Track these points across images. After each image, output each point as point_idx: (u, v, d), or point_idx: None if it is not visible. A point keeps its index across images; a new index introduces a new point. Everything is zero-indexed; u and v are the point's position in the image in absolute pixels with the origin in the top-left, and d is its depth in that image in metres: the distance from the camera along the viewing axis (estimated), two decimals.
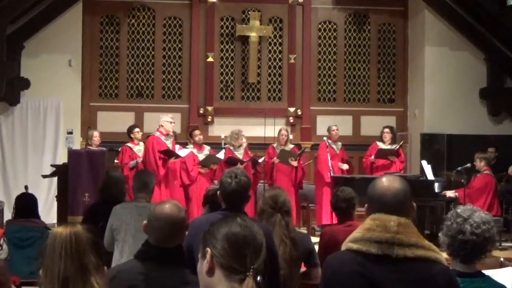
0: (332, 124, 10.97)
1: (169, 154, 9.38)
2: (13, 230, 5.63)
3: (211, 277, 1.86)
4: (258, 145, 11.08)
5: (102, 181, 5.83)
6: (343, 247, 2.47)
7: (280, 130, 10.67)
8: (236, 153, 10.36)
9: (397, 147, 10.80)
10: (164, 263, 2.84)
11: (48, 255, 2.45)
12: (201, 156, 10.14)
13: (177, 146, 10.05)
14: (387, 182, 2.51)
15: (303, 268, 4.50)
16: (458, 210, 2.86)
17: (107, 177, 5.80)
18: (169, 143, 9.58)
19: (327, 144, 10.49)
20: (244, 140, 10.59)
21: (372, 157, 10.61)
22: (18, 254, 5.49)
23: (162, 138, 9.50)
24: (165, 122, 9.57)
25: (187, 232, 3.28)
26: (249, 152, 10.55)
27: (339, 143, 10.80)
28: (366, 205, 2.54)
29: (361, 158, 11.48)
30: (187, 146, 10.34)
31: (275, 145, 10.64)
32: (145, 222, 3.00)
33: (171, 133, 9.83)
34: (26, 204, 5.85)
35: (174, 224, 2.91)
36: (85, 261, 2.41)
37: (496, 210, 9.27)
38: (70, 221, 7.32)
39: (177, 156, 9.54)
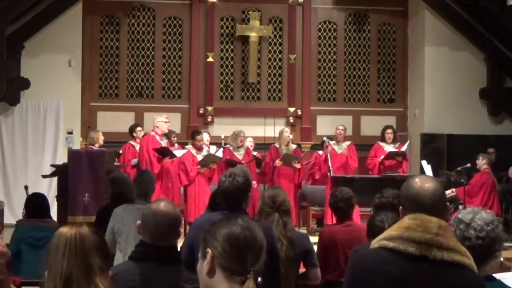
0: (339, 124, 10.91)
1: (164, 152, 9.37)
2: (25, 230, 5.57)
3: (212, 278, 1.86)
4: (258, 145, 11.04)
5: (112, 182, 5.69)
6: (376, 244, 2.40)
7: (283, 131, 10.61)
8: (236, 153, 10.33)
9: (405, 148, 10.57)
10: (161, 262, 2.84)
11: (52, 254, 2.44)
12: (199, 157, 10.13)
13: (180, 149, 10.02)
14: (422, 182, 2.49)
15: (302, 269, 4.50)
16: (460, 216, 2.80)
17: (118, 177, 5.69)
18: (164, 143, 9.57)
19: (327, 144, 10.42)
20: (249, 140, 10.55)
21: (382, 157, 10.39)
22: (32, 254, 5.42)
23: (157, 137, 9.52)
24: (160, 123, 9.59)
25: (185, 231, 3.26)
26: (254, 153, 10.47)
27: (345, 144, 10.69)
28: (400, 207, 2.53)
29: (360, 158, 11.44)
30: (186, 147, 10.33)
31: (277, 145, 10.57)
32: (139, 222, 2.99)
33: (166, 132, 9.81)
34: (37, 204, 5.76)
35: (170, 221, 2.92)
36: (89, 261, 2.39)
37: (496, 210, 9.27)
38: (71, 221, 7.31)
39: (173, 155, 9.52)
